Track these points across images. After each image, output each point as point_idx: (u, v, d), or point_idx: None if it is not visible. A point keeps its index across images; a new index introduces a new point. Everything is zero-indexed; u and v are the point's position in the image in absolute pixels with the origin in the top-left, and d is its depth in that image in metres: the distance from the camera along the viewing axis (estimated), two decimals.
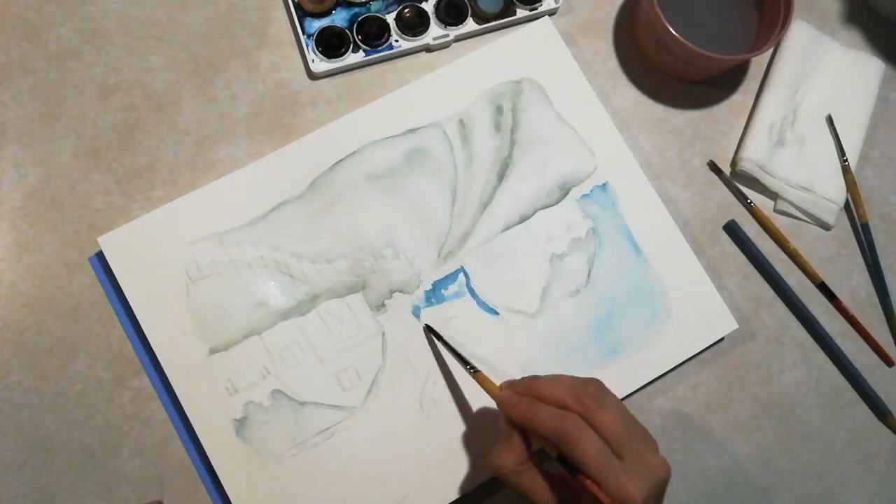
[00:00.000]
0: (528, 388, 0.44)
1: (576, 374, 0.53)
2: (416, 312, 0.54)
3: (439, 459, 0.52)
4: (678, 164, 0.61)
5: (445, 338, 0.52)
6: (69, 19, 0.58)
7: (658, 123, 0.61)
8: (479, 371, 0.48)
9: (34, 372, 0.52)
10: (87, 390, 0.52)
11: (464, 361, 0.49)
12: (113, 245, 0.52)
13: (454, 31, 0.60)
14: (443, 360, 0.53)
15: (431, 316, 0.54)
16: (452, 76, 0.58)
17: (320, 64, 0.58)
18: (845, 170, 0.61)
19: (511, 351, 0.54)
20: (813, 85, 0.62)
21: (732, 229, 0.60)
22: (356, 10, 0.59)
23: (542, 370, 0.54)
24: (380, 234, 0.55)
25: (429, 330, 0.53)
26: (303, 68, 0.59)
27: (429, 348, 0.54)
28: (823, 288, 0.59)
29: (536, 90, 0.59)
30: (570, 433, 0.40)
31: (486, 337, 0.54)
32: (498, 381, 0.47)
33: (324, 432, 0.52)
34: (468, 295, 0.55)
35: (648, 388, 0.56)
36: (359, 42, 0.58)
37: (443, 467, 0.52)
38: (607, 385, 0.43)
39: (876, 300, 0.60)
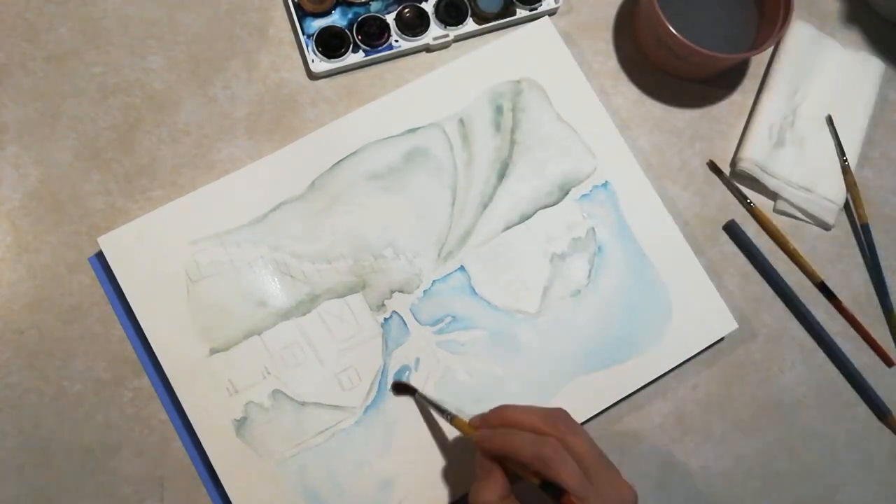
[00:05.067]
0: (500, 418, 0.45)
1: (576, 376, 0.54)
2: (415, 312, 0.54)
3: (439, 460, 0.52)
4: (678, 164, 0.61)
5: (421, 390, 0.52)
6: (69, 19, 0.58)
7: (658, 123, 0.61)
8: (457, 416, 0.48)
9: (34, 372, 0.52)
10: (87, 390, 0.52)
11: (440, 410, 0.49)
12: (113, 245, 0.52)
13: (454, 31, 0.60)
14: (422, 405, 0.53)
15: (430, 314, 0.54)
16: (452, 76, 0.58)
17: (320, 64, 0.58)
18: (845, 170, 0.61)
19: (512, 352, 0.54)
20: (813, 85, 0.62)
21: (732, 229, 0.60)
22: (356, 10, 0.59)
23: (543, 370, 0.54)
24: (380, 234, 0.55)
25: (399, 388, 0.53)
26: (303, 68, 0.59)
27: (429, 349, 0.54)
28: (823, 288, 0.59)
29: (536, 90, 0.59)
30: (552, 457, 0.40)
31: (487, 339, 0.54)
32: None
33: (324, 432, 0.52)
34: (469, 295, 0.55)
35: (648, 388, 0.56)
36: (359, 42, 0.58)
37: (443, 468, 0.52)
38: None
39: (876, 300, 0.60)
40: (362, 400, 0.52)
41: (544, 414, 0.44)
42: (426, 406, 0.52)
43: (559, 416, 0.44)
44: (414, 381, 0.53)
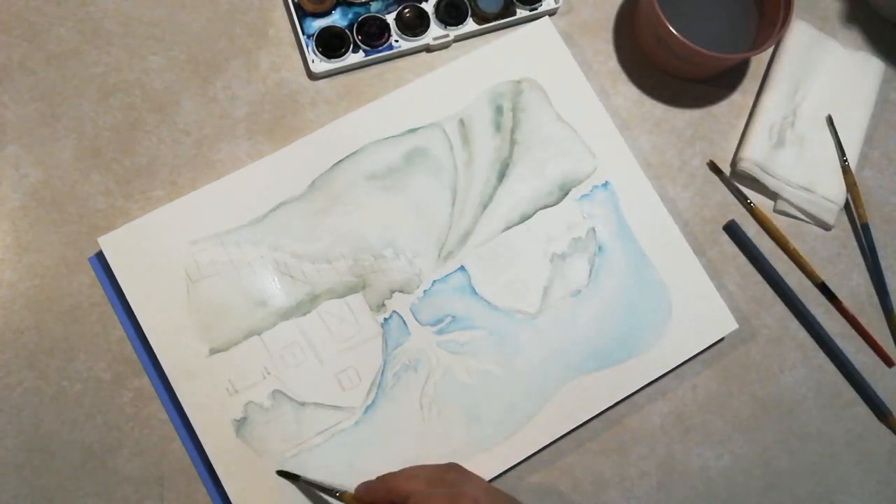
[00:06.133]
0: (384, 489, 0.45)
1: (576, 376, 0.54)
2: (415, 312, 0.54)
3: (439, 459, 0.52)
4: (678, 164, 0.61)
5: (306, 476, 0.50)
6: (69, 19, 0.58)
7: (658, 123, 0.61)
8: (345, 492, 0.48)
9: (34, 372, 0.52)
10: (87, 390, 0.52)
11: (329, 492, 0.49)
12: (113, 245, 0.52)
13: (454, 31, 0.60)
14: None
15: (430, 314, 0.54)
16: (452, 76, 0.58)
17: (320, 64, 0.58)
18: (845, 170, 0.61)
19: (512, 352, 0.54)
20: (813, 85, 0.62)
21: (732, 229, 0.60)
22: (356, 10, 0.59)
23: (543, 370, 0.54)
24: (380, 234, 0.55)
25: (285, 476, 0.50)
26: (303, 68, 0.59)
27: (429, 349, 0.54)
28: (823, 288, 0.59)
29: (536, 90, 0.59)
30: None
31: (486, 339, 0.54)
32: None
33: (324, 432, 0.52)
34: (469, 295, 0.55)
35: (648, 388, 0.56)
36: (359, 42, 0.58)
37: None
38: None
39: (876, 300, 0.60)
40: (362, 400, 0.52)
41: (430, 477, 0.44)
42: (312, 489, 0.50)
43: (447, 477, 0.45)
44: (414, 380, 0.53)
